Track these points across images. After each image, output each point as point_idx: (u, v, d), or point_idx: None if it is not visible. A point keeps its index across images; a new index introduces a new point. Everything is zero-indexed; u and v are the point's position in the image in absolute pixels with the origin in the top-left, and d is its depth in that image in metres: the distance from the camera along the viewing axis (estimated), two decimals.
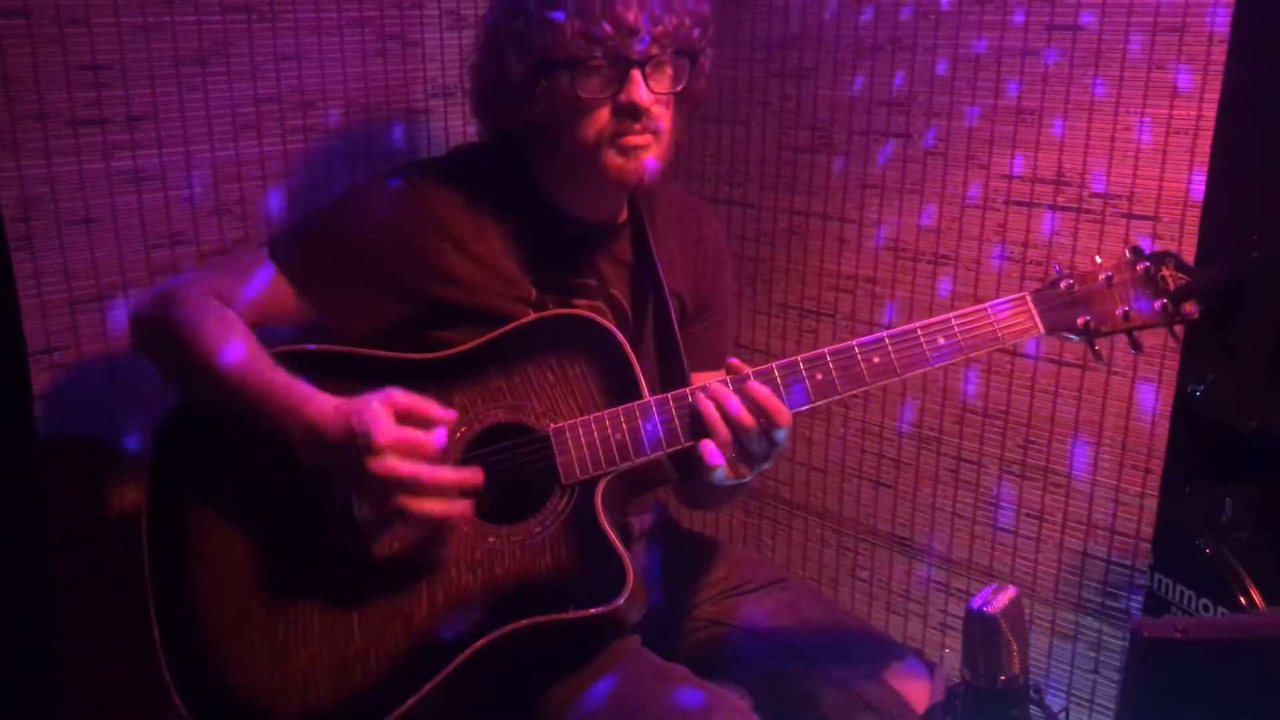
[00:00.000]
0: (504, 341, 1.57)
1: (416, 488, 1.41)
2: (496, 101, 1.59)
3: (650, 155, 1.54)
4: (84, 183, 1.81)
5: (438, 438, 1.42)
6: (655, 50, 1.50)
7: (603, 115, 1.51)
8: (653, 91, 1.51)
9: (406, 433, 1.41)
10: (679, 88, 1.55)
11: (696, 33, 1.55)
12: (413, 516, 1.42)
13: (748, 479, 1.49)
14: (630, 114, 1.50)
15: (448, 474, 1.43)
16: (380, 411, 1.41)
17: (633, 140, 1.52)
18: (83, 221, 1.82)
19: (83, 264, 1.83)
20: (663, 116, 1.54)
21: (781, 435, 1.46)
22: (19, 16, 1.71)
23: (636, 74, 1.49)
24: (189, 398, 1.59)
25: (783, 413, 1.44)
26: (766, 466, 1.50)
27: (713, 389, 1.46)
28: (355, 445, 1.39)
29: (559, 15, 1.47)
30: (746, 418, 1.43)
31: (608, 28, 1.47)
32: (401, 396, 1.43)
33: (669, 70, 1.54)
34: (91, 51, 1.78)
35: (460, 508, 1.44)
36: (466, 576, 1.49)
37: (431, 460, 1.41)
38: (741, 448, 1.45)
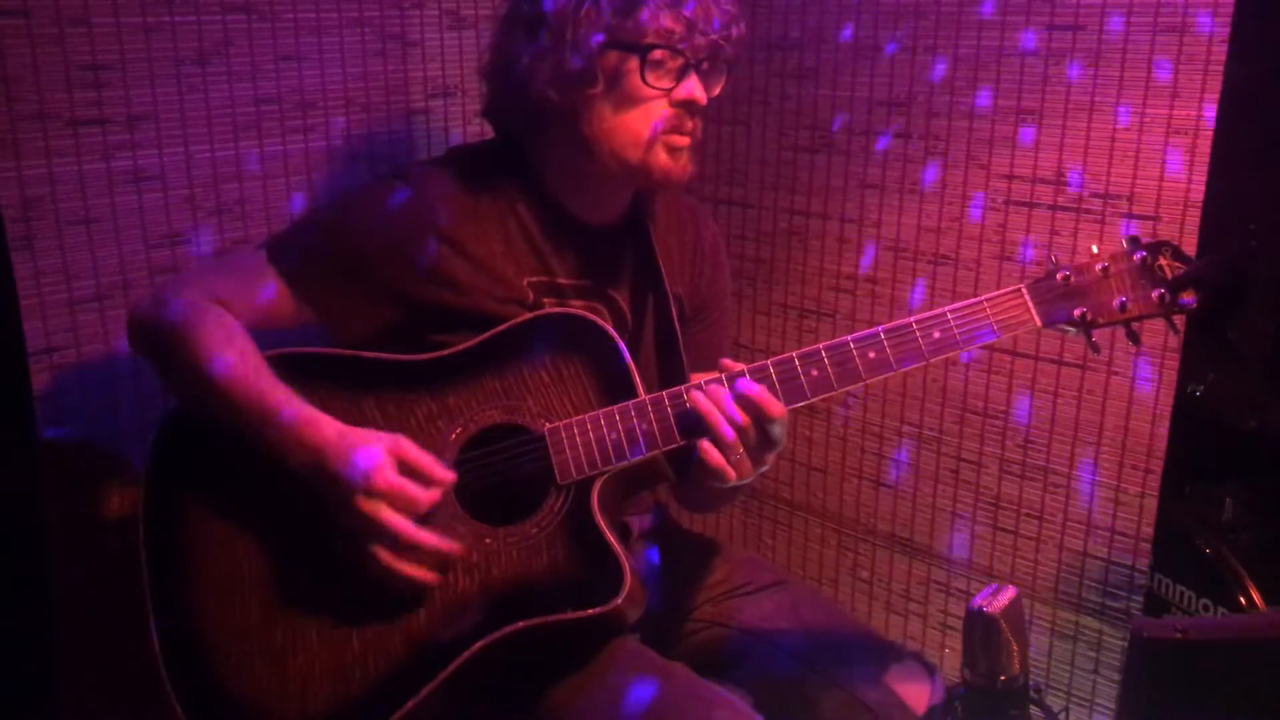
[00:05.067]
0: (499, 342, 1.56)
1: (395, 542, 1.42)
2: (546, 81, 1.53)
3: (689, 158, 1.58)
4: (84, 183, 1.81)
5: (430, 497, 1.44)
6: (713, 53, 1.54)
7: (656, 109, 1.54)
8: (706, 92, 1.55)
9: (404, 484, 1.42)
10: (715, 93, 1.58)
11: (737, 48, 1.58)
12: (384, 569, 1.44)
13: (748, 480, 1.49)
14: (688, 110, 1.54)
15: (429, 538, 1.44)
16: (385, 456, 1.43)
17: (679, 140, 1.55)
18: (83, 221, 1.82)
19: (83, 264, 1.83)
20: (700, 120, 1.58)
21: (777, 431, 1.45)
22: (19, 16, 1.71)
23: (694, 73, 1.53)
24: (185, 402, 1.59)
25: (776, 407, 1.44)
26: (766, 468, 1.49)
27: (707, 387, 1.46)
28: (352, 480, 1.41)
29: None
30: (741, 415, 1.43)
31: (687, 21, 1.50)
32: (409, 448, 1.45)
33: (714, 76, 1.58)
34: (91, 51, 1.78)
35: (430, 576, 1.46)
36: (463, 579, 1.48)
37: (419, 519, 1.43)
38: (739, 446, 1.45)
